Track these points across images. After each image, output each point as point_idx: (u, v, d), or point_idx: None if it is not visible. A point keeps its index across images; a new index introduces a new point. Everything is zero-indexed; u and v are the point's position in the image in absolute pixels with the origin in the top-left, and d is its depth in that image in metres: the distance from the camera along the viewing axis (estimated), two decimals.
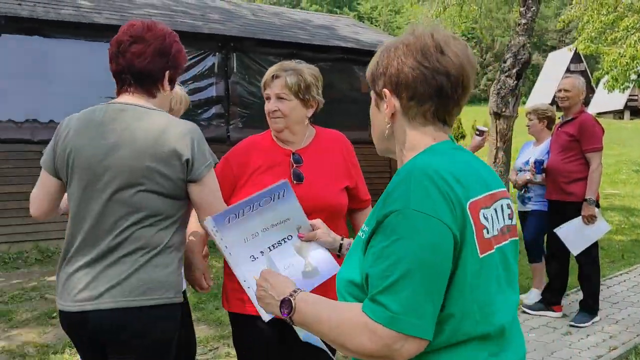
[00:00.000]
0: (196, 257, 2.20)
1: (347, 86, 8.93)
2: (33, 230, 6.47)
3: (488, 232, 1.17)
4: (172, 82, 2.01)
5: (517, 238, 1.31)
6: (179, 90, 2.67)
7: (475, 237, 1.13)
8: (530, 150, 5.30)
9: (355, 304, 1.13)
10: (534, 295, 5.07)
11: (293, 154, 2.26)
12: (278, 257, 1.63)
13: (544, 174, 4.78)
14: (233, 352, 4.06)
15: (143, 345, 1.85)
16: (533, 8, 9.69)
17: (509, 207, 1.28)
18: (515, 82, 9.72)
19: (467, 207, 1.13)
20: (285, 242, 1.71)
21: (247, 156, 2.25)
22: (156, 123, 1.88)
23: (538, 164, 4.78)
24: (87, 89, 6.93)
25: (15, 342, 4.17)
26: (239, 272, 1.62)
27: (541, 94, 47.92)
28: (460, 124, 22.89)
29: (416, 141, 1.25)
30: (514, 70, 9.73)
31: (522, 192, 5.14)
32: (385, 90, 1.24)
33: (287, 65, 2.25)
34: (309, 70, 2.26)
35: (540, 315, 4.81)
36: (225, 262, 2.33)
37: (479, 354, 1.15)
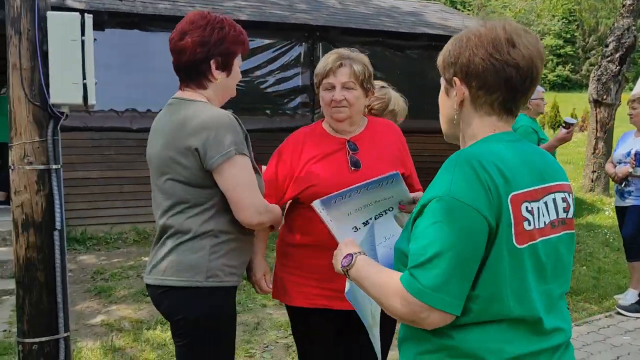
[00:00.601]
0: (257, 258, 2.24)
1: (436, 74, 8.72)
2: (131, 213, 6.91)
3: (530, 224, 1.22)
4: (225, 69, 2.02)
5: (572, 231, 1.36)
6: (402, 102, 2.72)
7: (512, 228, 1.19)
8: (631, 141, 4.94)
9: (398, 272, 1.27)
10: (630, 296, 4.76)
11: (348, 141, 2.24)
12: (380, 228, 1.72)
13: None
14: None
15: (176, 322, 1.97)
16: None
17: (564, 200, 1.32)
18: (618, 67, 9.10)
19: (509, 199, 1.19)
20: (386, 213, 1.79)
21: (301, 147, 2.25)
22: (183, 114, 1.95)
23: (639, 156, 4.46)
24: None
25: (113, 316, 4.50)
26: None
27: None
28: (558, 112, 21.74)
29: (478, 130, 1.32)
30: (617, 55, 9.11)
31: (622, 185, 4.82)
32: (456, 79, 1.31)
33: (347, 53, 2.20)
34: (367, 59, 2.24)
35: (636, 318, 4.52)
36: (278, 254, 2.36)
37: (508, 334, 1.22)
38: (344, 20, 8.29)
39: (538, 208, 1.25)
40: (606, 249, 6.81)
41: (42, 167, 3.11)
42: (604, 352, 3.90)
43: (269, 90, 7.79)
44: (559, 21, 55.68)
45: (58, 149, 3.20)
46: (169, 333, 4.20)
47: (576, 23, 57.13)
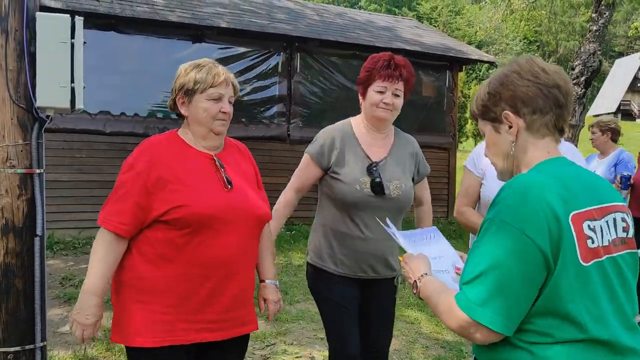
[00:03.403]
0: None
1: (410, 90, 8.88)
2: None
3: (593, 242, 1.27)
4: (364, 95, 2.51)
5: (634, 250, 1.39)
6: None
7: (576, 246, 1.24)
8: (595, 163, 5.15)
9: (455, 290, 1.35)
10: None
11: (215, 158, 2.09)
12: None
13: (629, 189, 4.60)
14: (290, 349, 4.13)
15: None
16: (606, 14, 9.36)
17: (623, 220, 1.38)
18: (584, 90, 9.44)
19: (569, 219, 1.25)
20: (443, 273, 1.86)
21: (158, 158, 2.00)
22: None
23: (625, 179, 4.60)
24: (155, 84, 7.18)
25: None
26: None
27: (606, 101, 46.07)
28: None
29: (533, 155, 1.41)
30: (583, 78, 9.44)
31: None
32: (507, 112, 1.41)
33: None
34: None
35: None
36: (125, 288, 2.02)
37: (587, 354, 1.24)
38: (322, 32, 8.35)
39: (600, 227, 1.30)
40: None
41: (25, 171, 3.03)
42: None
43: (245, 98, 7.76)
44: (520, 41, 57.42)
45: (42, 153, 3.12)
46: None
47: (537, 44, 59.00)
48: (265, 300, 2.27)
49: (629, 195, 4.65)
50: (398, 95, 2.47)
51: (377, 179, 2.43)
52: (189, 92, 2.06)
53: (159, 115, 7.16)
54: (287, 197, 2.60)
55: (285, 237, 6.92)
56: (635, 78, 52.70)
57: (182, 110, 2.10)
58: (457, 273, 1.77)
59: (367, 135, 2.54)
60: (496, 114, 1.43)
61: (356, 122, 2.59)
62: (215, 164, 2.07)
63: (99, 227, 2.01)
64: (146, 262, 1.99)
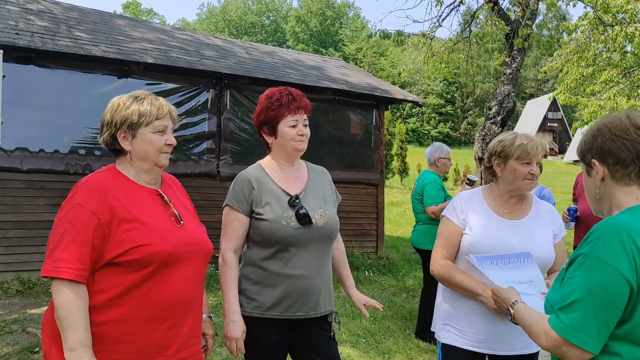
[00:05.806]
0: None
1: (336, 127, 9.06)
2: (15, 261, 6.34)
3: None
4: (272, 134, 2.47)
5: None
6: None
7: None
8: None
9: (546, 315, 1.59)
10: None
11: (162, 193, 2.07)
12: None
13: (575, 221, 4.79)
14: None
15: None
16: (518, 58, 10.03)
17: None
18: (500, 129, 9.98)
19: None
20: (531, 296, 2.10)
21: (107, 197, 1.91)
22: None
23: (572, 211, 4.78)
24: (77, 120, 6.93)
25: None
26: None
27: None
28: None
29: (622, 200, 1.61)
30: (499, 118, 10.00)
31: None
32: (594, 160, 1.64)
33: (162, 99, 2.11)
34: None
35: None
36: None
37: None
38: (251, 70, 8.40)
39: None
40: None
41: None
42: None
43: (174, 134, 7.62)
44: (440, 82, 60.35)
45: None
46: None
47: (456, 85, 62.14)
48: (204, 334, 2.23)
49: (572, 227, 4.85)
50: (306, 125, 2.51)
51: (302, 210, 2.40)
52: (133, 126, 2.00)
53: (81, 152, 6.88)
54: (229, 260, 2.41)
55: (215, 277, 6.76)
56: (545, 118, 56.49)
57: (125, 145, 2.01)
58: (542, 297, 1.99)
59: (280, 173, 2.51)
60: (588, 160, 1.66)
61: (266, 163, 2.55)
62: (163, 199, 2.05)
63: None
64: (101, 306, 1.86)
